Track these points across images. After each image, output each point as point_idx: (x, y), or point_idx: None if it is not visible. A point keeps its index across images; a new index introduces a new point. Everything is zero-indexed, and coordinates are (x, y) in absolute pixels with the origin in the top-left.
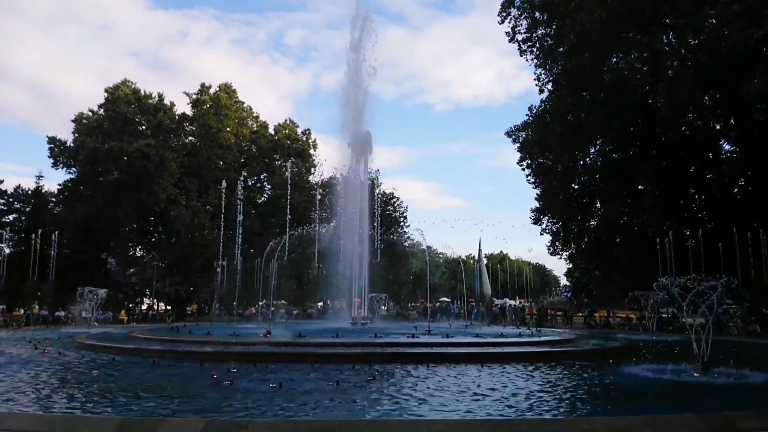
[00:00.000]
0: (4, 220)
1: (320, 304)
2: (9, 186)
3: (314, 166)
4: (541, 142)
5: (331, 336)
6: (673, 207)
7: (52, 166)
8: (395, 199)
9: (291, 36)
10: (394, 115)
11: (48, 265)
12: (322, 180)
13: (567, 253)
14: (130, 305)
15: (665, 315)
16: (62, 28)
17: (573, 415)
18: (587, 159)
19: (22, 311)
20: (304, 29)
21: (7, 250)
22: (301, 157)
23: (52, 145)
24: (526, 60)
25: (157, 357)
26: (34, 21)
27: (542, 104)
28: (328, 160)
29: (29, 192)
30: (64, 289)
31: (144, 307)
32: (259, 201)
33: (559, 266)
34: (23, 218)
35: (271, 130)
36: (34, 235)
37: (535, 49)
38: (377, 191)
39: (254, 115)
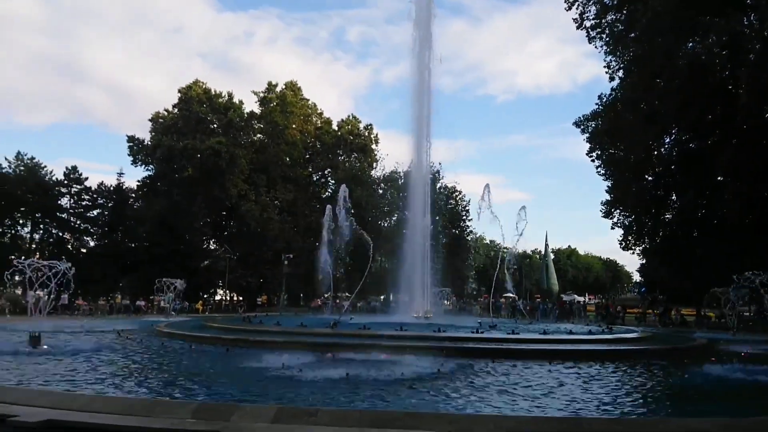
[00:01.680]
0: (88, 215)
1: (383, 297)
2: (92, 183)
3: (376, 161)
4: (611, 131)
5: (394, 329)
6: (755, 199)
7: (132, 164)
8: (457, 193)
9: (351, 33)
10: (454, 108)
11: (129, 258)
12: (384, 174)
13: (640, 248)
14: (205, 296)
15: (747, 313)
16: (137, 31)
17: (646, 416)
18: (662, 149)
19: (105, 301)
20: (364, 25)
21: (92, 243)
22: (363, 152)
23: (131, 144)
24: (595, 47)
25: (231, 345)
26: (110, 25)
27: (613, 92)
28: (390, 154)
29: (111, 188)
30: (143, 280)
31: (217, 297)
32: (324, 196)
33: (631, 262)
34: (106, 213)
35: (335, 126)
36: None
37: (604, 36)
38: (438, 185)
39: (318, 111)
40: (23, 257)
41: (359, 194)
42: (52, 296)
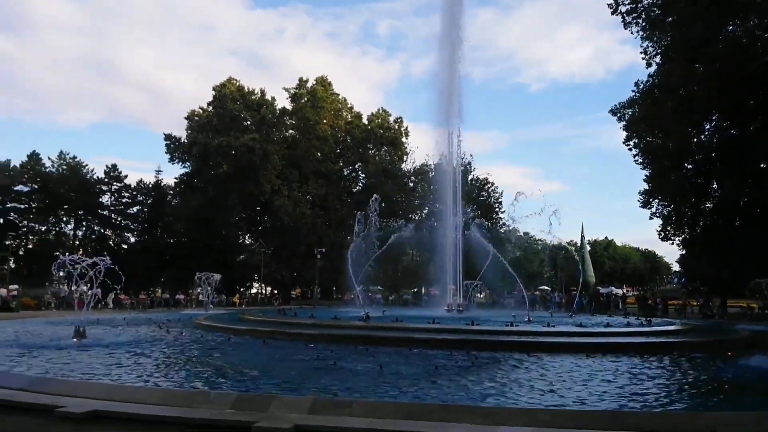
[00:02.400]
0: (128, 212)
1: (414, 290)
2: (132, 180)
3: (406, 154)
4: (649, 119)
5: (426, 322)
6: None
7: (169, 161)
8: (489, 185)
9: (380, 26)
10: (485, 99)
11: (168, 253)
12: (414, 167)
13: (680, 239)
14: (242, 289)
15: None
16: (170, 30)
17: (685, 409)
18: (701, 136)
19: (145, 295)
20: (392, 18)
21: (132, 239)
22: (393, 146)
23: (168, 142)
24: (631, 32)
25: (267, 337)
26: (142, 25)
27: (650, 79)
28: (420, 147)
29: (150, 186)
30: (182, 274)
31: (253, 291)
32: (354, 190)
33: (670, 252)
34: (145, 210)
35: (365, 120)
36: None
37: (640, 21)
38: (470, 177)
39: (348, 106)
40: (67, 253)
41: (389, 188)
42: (95, 291)
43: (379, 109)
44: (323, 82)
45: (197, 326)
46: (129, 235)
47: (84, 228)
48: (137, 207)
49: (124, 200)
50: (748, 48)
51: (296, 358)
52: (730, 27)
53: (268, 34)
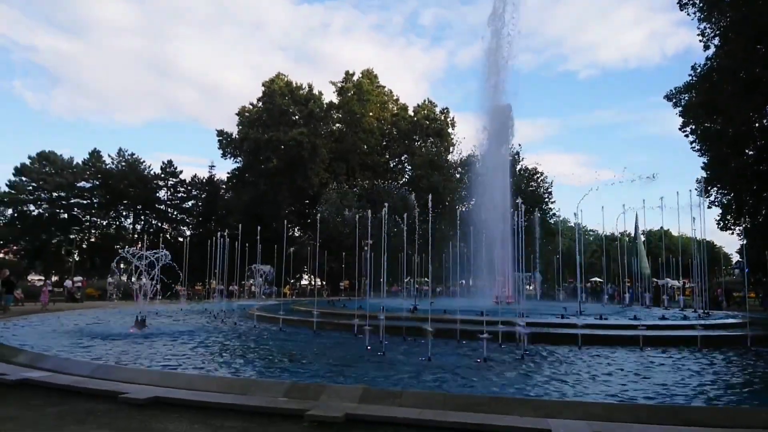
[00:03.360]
0: (184, 206)
1: (462, 282)
2: (186, 176)
3: (453, 145)
4: (707, 104)
5: (475, 314)
6: None
7: (221, 156)
8: (539, 175)
9: (425, 16)
10: (534, 86)
11: (222, 245)
12: (461, 158)
13: (740, 228)
14: (291, 281)
15: None
16: (220, 28)
17: (745, 405)
18: (764, 120)
19: (201, 287)
20: (438, 7)
21: (188, 233)
22: (439, 137)
23: (220, 138)
24: (687, 14)
25: (318, 328)
26: (194, 23)
27: (708, 62)
28: (467, 137)
29: (204, 180)
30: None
31: (303, 282)
32: (401, 182)
33: (730, 243)
34: (200, 204)
35: (411, 112)
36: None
37: (697, 1)
38: (518, 167)
39: (394, 98)
40: (127, 246)
41: (436, 179)
42: (155, 282)
43: (425, 100)
44: (369, 75)
45: (250, 316)
46: (184, 228)
47: (142, 222)
48: (192, 201)
49: (179, 195)
50: None
51: (345, 347)
52: None
53: (315, 29)
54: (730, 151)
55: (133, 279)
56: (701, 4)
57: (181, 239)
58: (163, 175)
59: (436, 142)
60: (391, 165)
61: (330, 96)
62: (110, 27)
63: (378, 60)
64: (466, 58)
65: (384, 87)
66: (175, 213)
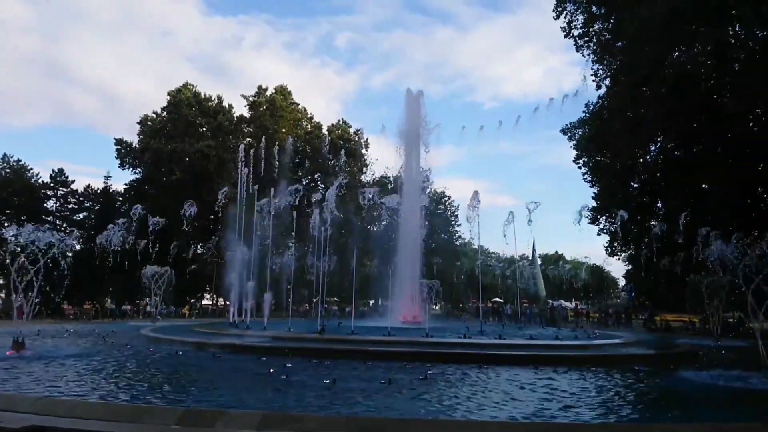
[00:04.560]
0: (74, 218)
1: (371, 302)
2: (79, 186)
3: (366, 166)
4: (598, 139)
5: (382, 334)
6: (741, 207)
7: (119, 167)
8: (446, 198)
9: (339, 39)
10: (442, 115)
11: (115, 262)
12: (374, 179)
13: (626, 254)
14: (192, 300)
15: (730, 320)
16: (125, 34)
17: (632, 422)
18: (647, 157)
19: (90, 305)
20: (352, 32)
21: (78, 247)
22: (353, 157)
23: (119, 147)
24: (582, 55)
25: (217, 350)
26: (98, 28)
27: (599, 100)
28: (380, 159)
29: (98, 191)
30: (130, 285)
31: (205, 302)
32: (314, 200)
33: (616, 268)
34: (92, 216)
35: (325, 131)
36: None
37: (591, 44)
38: (428, 190)
39: (308, 116)
40: (8, 260)
41: (349, 199)
42: (37, 300)
43: (339, 120)
44: (283, 91)
45: (144, 338)
46: (74, 242)
47: None
48: (84, 213)
49: (70, 206)
50: (694, 74)
51: (245, 371)
52: (677, 53)
53: (226, 41)
54: (618, 183)
55: (14, 296)
56: (595, 48)
57: (69, 253)
58: (52, 185)
59: (350, 161)
60: (304, 183)
61: (241, 110)
62: (1, 24)
63: (291, 78)
64: (379, 83)
65: (298, 104)
66: (65, 225)
